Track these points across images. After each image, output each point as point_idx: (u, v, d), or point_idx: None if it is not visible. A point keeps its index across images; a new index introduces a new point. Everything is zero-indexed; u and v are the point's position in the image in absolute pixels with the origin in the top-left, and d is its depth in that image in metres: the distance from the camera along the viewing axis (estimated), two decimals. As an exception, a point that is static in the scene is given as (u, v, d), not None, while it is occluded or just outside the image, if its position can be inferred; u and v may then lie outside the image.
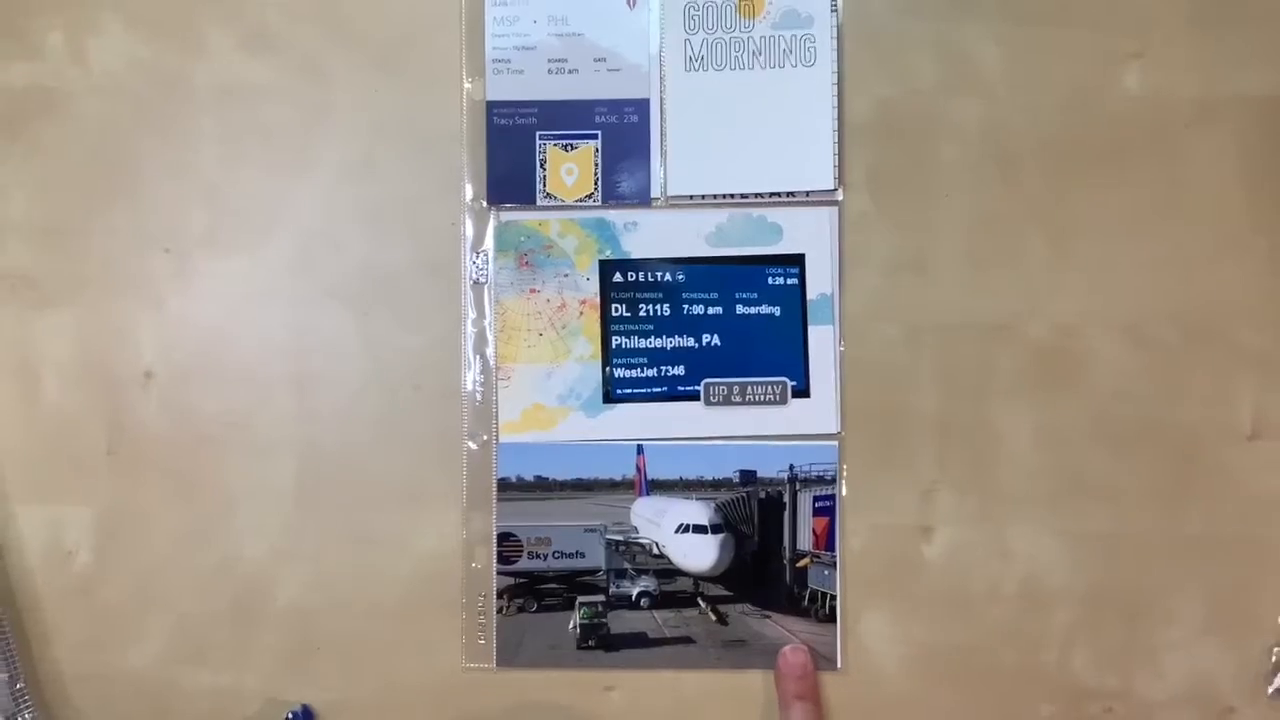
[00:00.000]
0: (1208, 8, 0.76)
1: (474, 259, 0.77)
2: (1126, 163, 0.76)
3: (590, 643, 0.77)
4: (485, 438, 0.77)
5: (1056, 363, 0.76)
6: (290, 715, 0.76)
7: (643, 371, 0.76)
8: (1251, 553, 0.76)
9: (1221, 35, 0.76)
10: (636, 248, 0.77)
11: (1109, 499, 0.76)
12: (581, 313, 0.77)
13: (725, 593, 0.77)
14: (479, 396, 0.77)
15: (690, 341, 0.76)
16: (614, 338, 0.77)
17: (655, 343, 0.77)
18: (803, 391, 0.76)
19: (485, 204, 0.77)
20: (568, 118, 0.77)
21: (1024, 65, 0.76)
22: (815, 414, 0.76)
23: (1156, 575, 0.76)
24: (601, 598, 0.77)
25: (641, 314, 0.77)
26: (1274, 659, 0.75)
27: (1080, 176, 0.76)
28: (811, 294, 0.76)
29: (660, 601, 0.77)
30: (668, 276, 0.77)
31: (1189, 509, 0.76)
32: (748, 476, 0.76)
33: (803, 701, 0.74)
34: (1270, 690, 0.75)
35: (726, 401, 0.76)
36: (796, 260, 0.76)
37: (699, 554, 0.76)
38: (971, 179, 0.76)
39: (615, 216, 0.77)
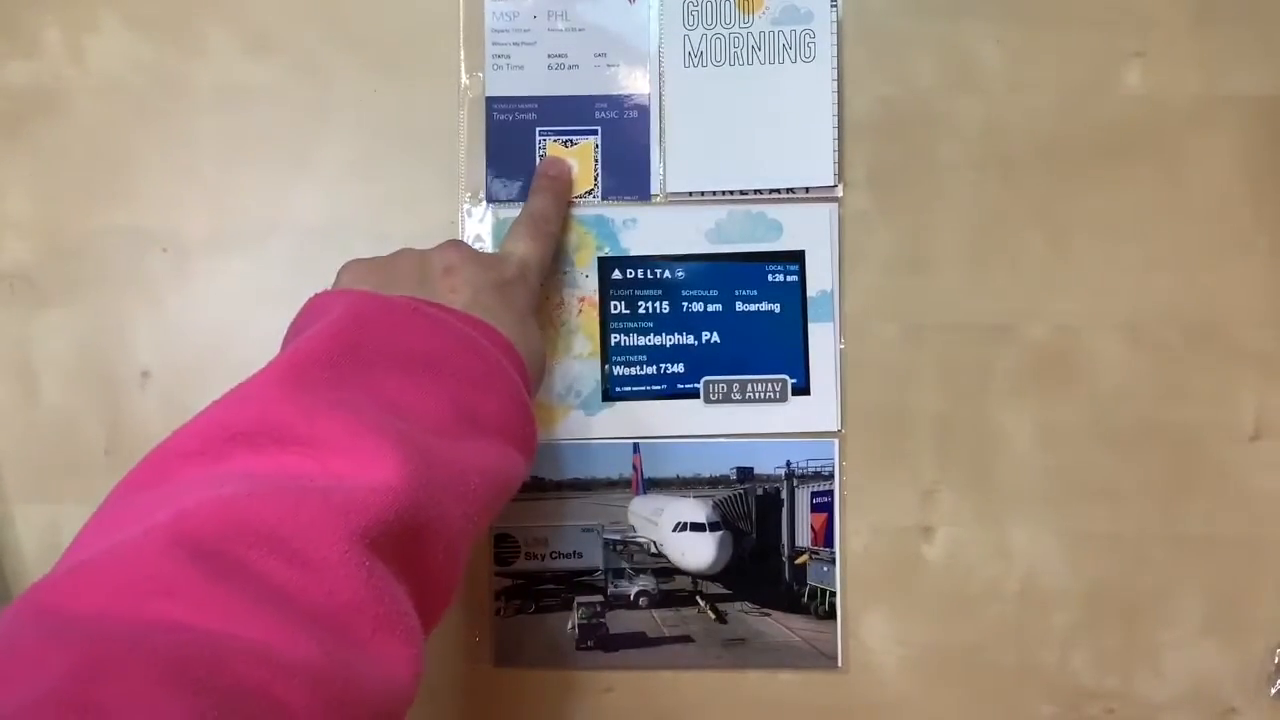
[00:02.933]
0: (1210, 7, 0.76)
1: (472, 256, 0.77)
2: (1127, 162, 0.76)
3: (589, 643, 0.77)
4: (483, 436, 0.77)
5: (1056, 363, 0.76)
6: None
7: (642, 369, 0.76)
8: (1253, 553, 0.75)
9: (1224, 34, 0.76)
10: (635, 244, 0.77)
11: (1110, 499, 0.76)
12: (580, 310, 0.77)
13: (724, 591, 0.77)
14: (477, 395, 0.77)
15: (690, 339, 0.76)
16: (613, 335, 0.77)
17: (654, 340, 0.76)
18: (803, 389, 0.76)
19: (484, 201, 0.77)
20: (567, 113, 0.76)
21: (1024, 64, 0.76)
22: (816, 411, 0.76)
23: (1157, 575, 0.75)
24: (600, 597, 0.77)
25: (641, 311, 0.76)
26: (1276, 660, 0.75)
27: (1080, 176, 0.76)
28: (811, 291, 0.76)
29: (659, 600, 0.77)
30: (667, 273, 0.76)
31: (1190, 509, 0.75)
32: (745, 473, 0.76)
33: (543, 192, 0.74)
34: (1273, 691, 0.75)
35: (726, 399, 0.76)
36: (796, 257, 0.76)
37: (697, 552, 0.76)
38: (971, 178, 0.76)
39: (614, 213, 0.77)
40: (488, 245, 0.76)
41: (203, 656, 0.38)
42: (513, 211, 0.76)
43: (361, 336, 0.53)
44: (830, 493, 0.76)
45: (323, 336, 0.53)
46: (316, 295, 0.60)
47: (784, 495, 0.76)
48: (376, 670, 0.45)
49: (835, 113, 0.76)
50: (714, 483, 0.76)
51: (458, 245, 0.65)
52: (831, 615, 0.76)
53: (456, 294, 0.61)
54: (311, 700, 0.41)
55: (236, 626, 0.40)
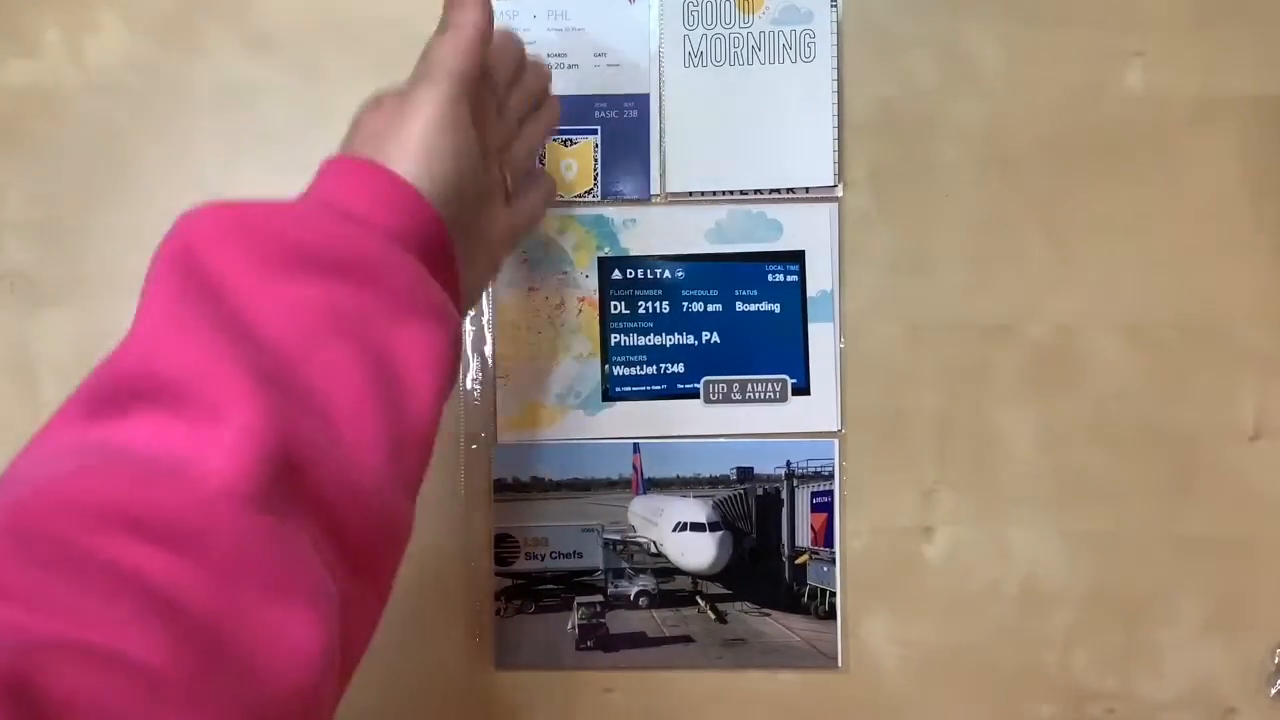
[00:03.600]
0: (1209, 7, 0.76)
1: (472, 256, 0.77)
2: (1127, 162, 0.76)
3: (589, 643, 0.77)
4: (484, 435, 0.76)
5: (1056, 363, 0.76)
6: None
7: (642, 369, 0.76)
8: (1253, 553, 0.75)
9: (1223, 34, 0.76)
10: (635, 245, 0.77)
11: (1109, 499, 0.76)
12: (580, 310, 0.77)
13: (724, 591, 0.77)
14: (478, 395, 0.77)
15: (690, 339, 0.76)
16: (613, 335, 0.77)
17: (654, 340, 0.76)
18: (803, 389, 0.76)
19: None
20: (567, 113, 0.76)
21: (1024, 64, 0.76)
22: (815, 411, 0.76)
23: (1157, 575, 0.75)
24: (600, 597, 0.77)
25: (641, 311, 0.76)
26: (1276, 660, 0.75)
27: (1080, 176, 0.76)
28: (811, 291, 0.76)
29: (659, 600, 0.77)
30: (667, 274, 0.76)
31: (1190, 509, 0.75)
32: (745, 473, 0.76)
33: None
34: (1272, 691, 0.75)
35: (726, 399, 0.76)
36: (796, 257, 0.76)
37: (697, 552, 0.76)
38: (972, 178, 0.76)
39: (614, 213, 0.77)
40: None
41: (12, 664, 0.34)
42: (513, 211, 0.77)
43: (209, 257, 0.48)
44: (830, 493, 0.76)
45: (166, 269, 0.48)
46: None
47: (784, 495, 0.76)
48: (267, 643, 0.41)
49: (835, 113, 0.76)
50: (714, 483, 0.76)
51: (382, 94, 0.58)
52: (831, 615, 0.76)
53: (349, 144, 0.56)
54: (153, 703, 0.36)
55: (65, 623, 0.36)
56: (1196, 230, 0.76)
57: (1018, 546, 0.76)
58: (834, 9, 0.76)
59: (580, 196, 0.77)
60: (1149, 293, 0.76)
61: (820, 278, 0.76)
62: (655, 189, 0.77)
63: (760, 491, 0.76)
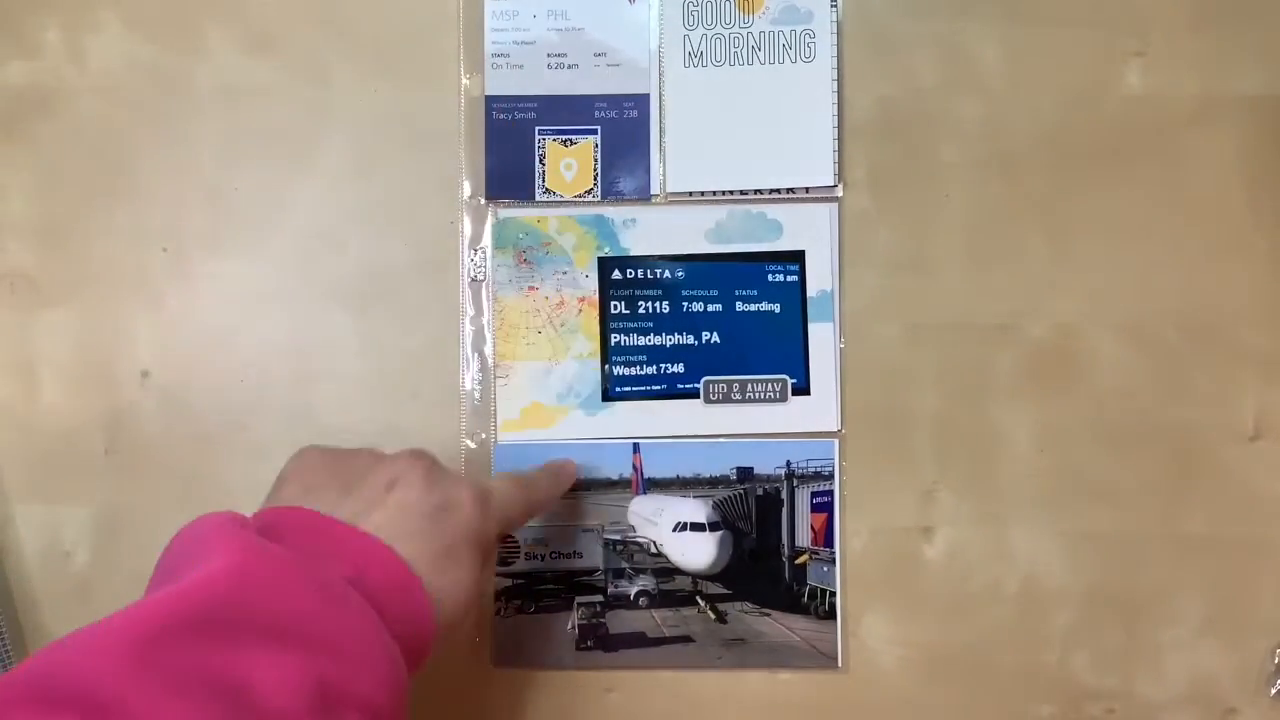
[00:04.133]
0: (1209, 7, 0.76)
1: (472, 256, 0.77)
2: (1127, 162, 0.76)
3: (589, 643, 0.77)
4: (484, 436, 0.76)
5: (1056, 363, 0.76)
6: None
7: (642, 369, 0.76)
8: (1254, 553, 0.75)
9: (1223, 34, 0.76)
10: (635, 244, 0.77)
11: (1110, 499, 0.75)
12: (580, 310, 0.77)
13: (724, 591, 0.76)
14: (477, 395, 0.77)
15: (690, 339, 0.76)
16: (613, 335, 0.77)
17: (654, 340, 0.76)
18: (803, 389, 0.76)
19: (483, 200, 0.77)
20: (567, 112, 0.77)
21: (1024, 64, 0.76)
22: (815, 411, 0.76)
23: (1157, 575, 0.75)
24: (600, 597, 0.77)
25: (640, 311, 0.76)
26: (1276, 660, 0.75)
27: (1081, 176, 0.76)
28: (812, 291, 0.76)
29: (659, 600, 0.77)
30: (667, 273, 0.76)
31: (1190, 509, 0.75)
32: (745, 473, 0.76)
33: None
34: (1273, 692, 0.75)
35: (726, 399, 0.76)
36: (797, 257, 0.76)
37: (697, 552, 0.76)
38: (972, 178, 0.76)
39: (614, 213, 0.77)
40: (488, 246, 0.77)
41: None
42: (513, 211, 0.77)
43: (229, 601, 0.46)
44: (830, 493, 0.76)
45: (188, 597, 0.45)
46: (196, 524, 0.52)
47: (784, 495, 0.76)
48: None
49: (835, 113, 0.76)
50: (714, 483, 0.76)
51: (418, 459, 0.58)
52: (831, 615, 0.76)
53: (374, 513, 0.55)
54: None
55: None
56: (1196, 230, 0.76)
57: (1018, 546, 0.76)
58: (834, 9, 0.76)
59: (580, 196, 0.77)
60: (1149, 293, 0.76)
61: (820, 278, 0.76)
62: (655, 189, 0.77)
63: (760, 491, 0.76)
